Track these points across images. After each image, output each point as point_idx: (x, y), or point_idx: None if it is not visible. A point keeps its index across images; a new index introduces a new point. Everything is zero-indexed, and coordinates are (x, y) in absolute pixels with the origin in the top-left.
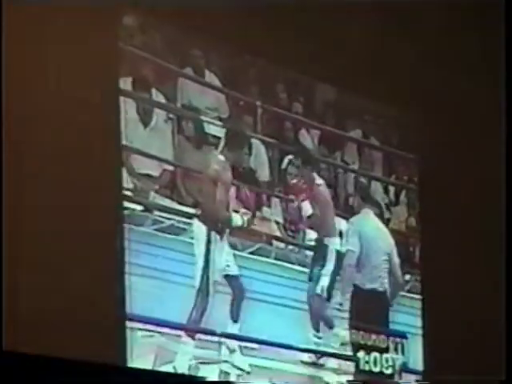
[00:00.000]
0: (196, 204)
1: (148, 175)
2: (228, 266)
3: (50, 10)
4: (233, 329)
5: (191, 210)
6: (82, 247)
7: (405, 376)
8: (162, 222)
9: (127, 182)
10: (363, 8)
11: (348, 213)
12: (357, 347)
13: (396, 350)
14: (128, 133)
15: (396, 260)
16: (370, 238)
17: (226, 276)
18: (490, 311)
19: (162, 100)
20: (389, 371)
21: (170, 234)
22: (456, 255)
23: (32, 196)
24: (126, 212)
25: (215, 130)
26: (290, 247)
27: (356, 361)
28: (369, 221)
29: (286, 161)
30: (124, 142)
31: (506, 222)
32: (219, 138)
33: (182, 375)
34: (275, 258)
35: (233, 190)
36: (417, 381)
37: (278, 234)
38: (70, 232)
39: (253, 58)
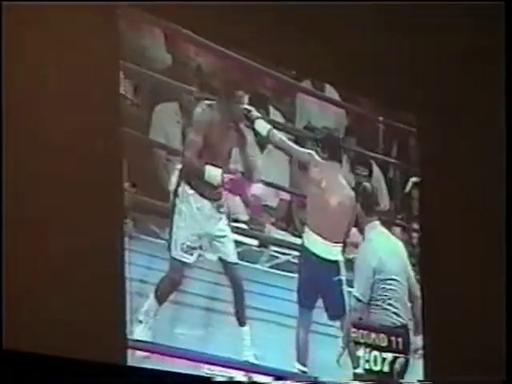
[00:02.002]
0: None
1: (266, 206)
2: None
3: (50, 9)
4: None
5: None
6: (82, 247)
7: (405, 375)
8: (278, 258)
9: (243, 214)
10: (363, 8)
11: None
12: (357, 346)
13: (396, 348)
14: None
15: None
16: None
17: None
18: (490, 311)
19: (281, 119)
20: (389, 370)
21: (284, 270)
22: (456, 255)
23: (32, 196)
24: (239, 249)
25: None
26: None
27: None
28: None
29: (410, 184)
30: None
31: (506, 223)
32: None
33: (183, 375)
34: None
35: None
36: (417, 381)
37: None
38: (70, 232)
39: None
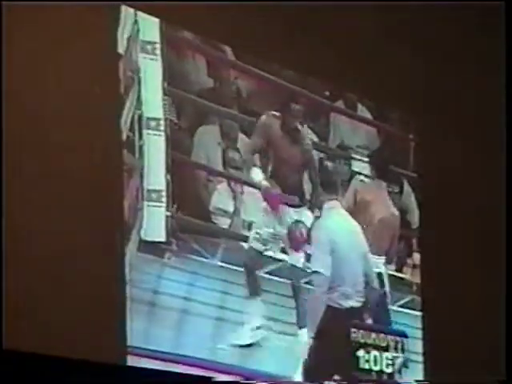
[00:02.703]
0: None
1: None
2: None
3: (50, 9)
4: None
5: None
6: (82, 247)
7: (405, 375)
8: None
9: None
10: (363, 8)
11: None
12: (356, 346)
13: (396, 348)
14: None
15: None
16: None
17: None
18: (490, 311)
19: (315, 139)
20: (389, 370)
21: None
22: (456, 255)
23: (32, 196)
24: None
25: (363, 167)
26: None
27: None
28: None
29: None
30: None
31: (506, 223)
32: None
33: (183, 375)
34: None
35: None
36: (417, 381)
37: None
38: (70, 231)
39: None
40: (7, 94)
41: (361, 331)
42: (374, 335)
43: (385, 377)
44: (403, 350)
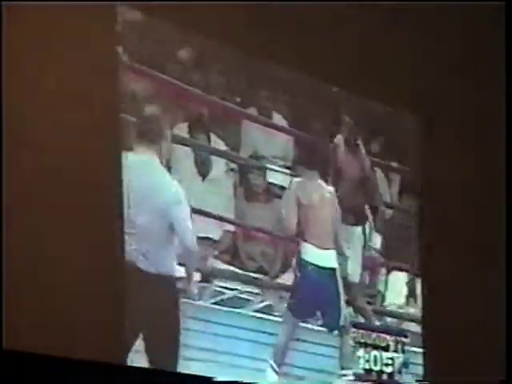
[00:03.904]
0: (260, 270)
1: (207, 238)
2: None
3: (50, 10)
4: None
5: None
6: (82, 246)
7: (405, 375)
8: (223, 294)
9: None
10: (363, 8)
11: None
12: (357, 346)
13: (396, 348)
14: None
15: None
16: None
17: None
18: (490, 311)
19: (223, 147)
20: (389, 370)
21: (231, 307)
22: (456, 255)
23: (33, 196)
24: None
25: (282, 179)
26: None
27: None
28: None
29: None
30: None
31: (506, 223)
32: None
33: (183, 375)
34: None
35: None
36: (417, 381)
37: None
38: (70, 231)
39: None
40: (7, 94)
41: (361, 331)
42: (374, 335)
43: (385, 377)
44: (403, 350)
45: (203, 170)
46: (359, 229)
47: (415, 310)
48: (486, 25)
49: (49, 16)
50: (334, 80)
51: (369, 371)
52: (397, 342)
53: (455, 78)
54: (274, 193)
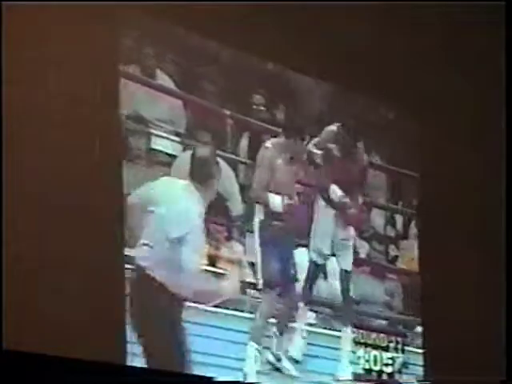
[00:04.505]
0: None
1: None
2: None
3: (50, 9)
4: None
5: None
6: (82, 247)
7: (405, 375)
8: None
9: None
10: (363, 8)
11: None
12: (357, 346)
13: (396, 348)
14: None
15: None
16: None
17: None
18: (490, 311)
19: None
20: (389, 370)
21: None
22: (456, 254)
23: (32, 196)
24: None
25: (171, 146)
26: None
27: None
28: None
29: None
30: None
31: (505, 223)
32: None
33: (183, 375)
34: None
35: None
36: (417, 381)
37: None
38: (70, 231)
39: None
40: (7, 93)
41: (361, 331)
42: (374, 335)
43: (385, 377)
44: (403, 350)
45: None
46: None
47: None
48: (485, 25)
49: (49, 16)
50: (334, 78)
51: (369, 371)
52: (397, 342)
53: (455, 77)
54: (156, 160)
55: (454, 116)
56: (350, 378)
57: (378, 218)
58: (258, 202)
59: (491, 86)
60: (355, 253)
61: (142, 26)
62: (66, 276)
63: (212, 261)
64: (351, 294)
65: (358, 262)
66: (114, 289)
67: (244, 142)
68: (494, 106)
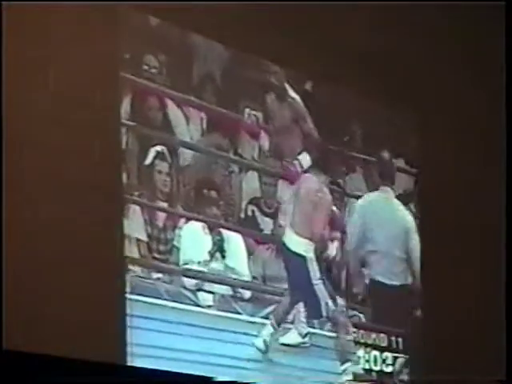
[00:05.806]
0: None
1: None
2: None
3: (50, 9)
4: None
5: None
6: (82, 247)
7: (405, 375)
8: None
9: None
10: (363, 7)
11: None
12: (357, 346)
13: (396, 348)
14: None
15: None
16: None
17: None
18: (490, 311)
19: None
20: (389, 370)
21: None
22: (456, 254)
23: (32, 196)
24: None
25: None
26: None
27: None
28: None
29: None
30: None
31: (506, 223)
32: None
33: (183, 375)
34: None
35: None
36: (417, 381)
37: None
38: (70, 231)
39: None
40: (7, 93)
41: (361, 331)
42: (373, 335)
43: (385, 377)
44: (403, 350)
45: None
46: None
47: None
48: (486, 25)
49: (49, 16)
50: (334, 77)
51: (369, 371)
52: (397, 342)
53: (455, 77)
54: None
55: (453, 115)
56: (350, 377)
57: None
58: None
59: (491, 86)
60: None
61: (142, 25)
62: (66, 276)
63: None
64: None
65: None
66: (115, 289)
67: None
68: (493, 105)
